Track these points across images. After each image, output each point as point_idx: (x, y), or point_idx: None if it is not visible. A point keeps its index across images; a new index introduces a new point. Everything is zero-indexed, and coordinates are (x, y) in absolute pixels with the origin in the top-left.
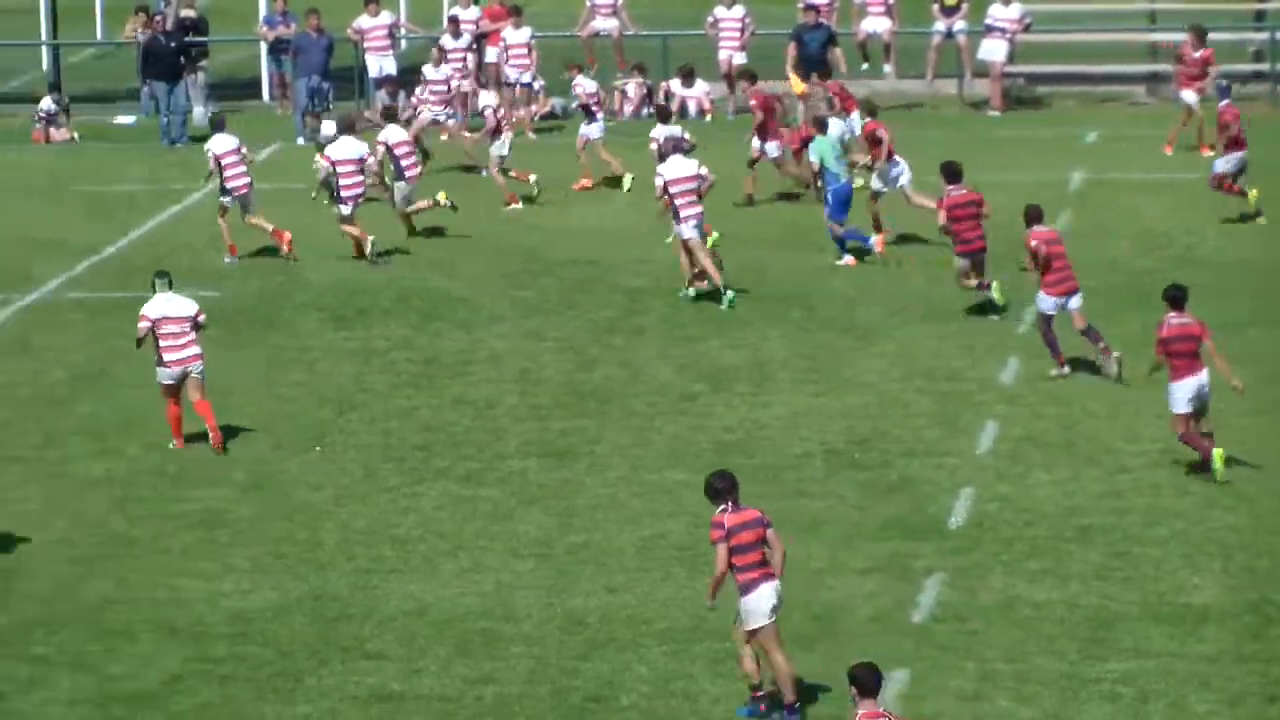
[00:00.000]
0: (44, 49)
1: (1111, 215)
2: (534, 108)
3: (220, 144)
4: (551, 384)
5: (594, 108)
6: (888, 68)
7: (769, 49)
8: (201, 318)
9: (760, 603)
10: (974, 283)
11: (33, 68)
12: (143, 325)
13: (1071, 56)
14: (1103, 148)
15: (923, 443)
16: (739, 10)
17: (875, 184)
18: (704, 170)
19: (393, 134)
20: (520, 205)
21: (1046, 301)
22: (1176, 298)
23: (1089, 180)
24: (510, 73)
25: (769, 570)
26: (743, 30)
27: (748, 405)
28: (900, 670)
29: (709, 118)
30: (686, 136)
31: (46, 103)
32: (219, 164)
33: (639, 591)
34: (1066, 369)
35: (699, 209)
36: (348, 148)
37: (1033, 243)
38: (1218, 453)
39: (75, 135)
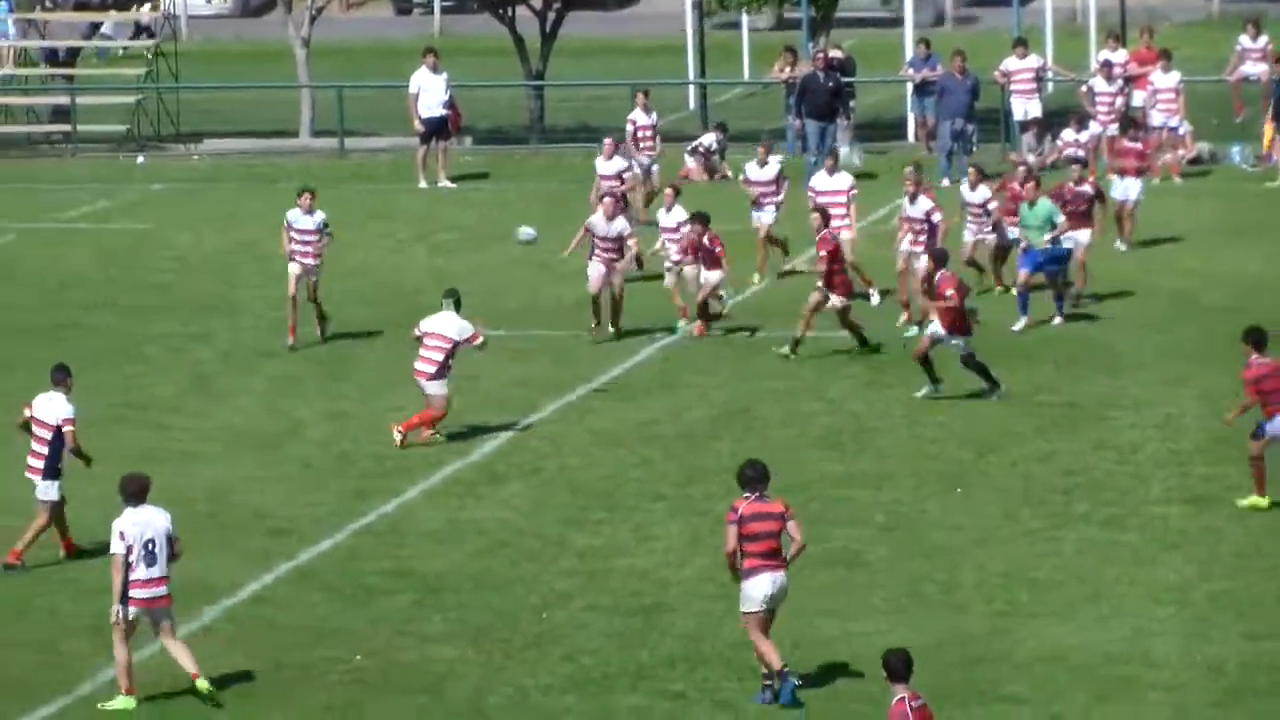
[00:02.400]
0: (691, 88)
1: None
2: (1180, 152)
3: None
4: (1193, 430)
5: (762, 199)
6: None
7: None
8: (478, 340)
9: (755, 590)
10: None
11: (680, 106)
12: (414, 333)
13: None
14: None
15: None
16: None
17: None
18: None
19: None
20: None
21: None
22: (1260, 340)
23: None
24: (1157, 117)
25: (776, 562)
26: None
27: None
28: None
29: None
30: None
31: (709, 138)
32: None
33: None
34: None
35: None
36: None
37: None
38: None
39: (730, 173)
